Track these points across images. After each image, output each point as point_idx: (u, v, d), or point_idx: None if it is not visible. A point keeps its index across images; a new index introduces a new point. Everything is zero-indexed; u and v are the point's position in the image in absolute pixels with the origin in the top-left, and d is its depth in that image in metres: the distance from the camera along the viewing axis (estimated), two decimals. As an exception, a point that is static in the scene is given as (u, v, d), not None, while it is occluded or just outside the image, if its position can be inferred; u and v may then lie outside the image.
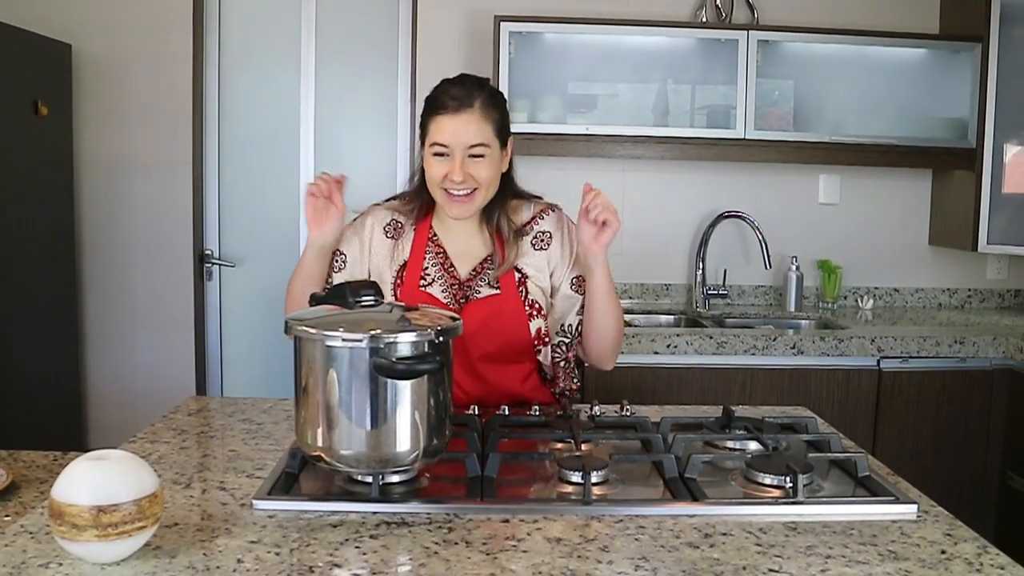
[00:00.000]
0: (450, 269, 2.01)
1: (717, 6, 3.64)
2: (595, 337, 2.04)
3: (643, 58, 3.59)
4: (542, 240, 2.04)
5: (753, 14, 3.65)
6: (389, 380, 1.37)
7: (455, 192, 1.90)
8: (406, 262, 2.02)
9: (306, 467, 1.54)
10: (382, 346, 1.36)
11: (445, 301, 1.98)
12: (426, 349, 1.39)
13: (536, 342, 2.02)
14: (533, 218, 2.06)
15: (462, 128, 1.88)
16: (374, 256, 2.04)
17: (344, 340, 1.37)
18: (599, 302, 1.98)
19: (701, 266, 3.71)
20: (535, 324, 2.01)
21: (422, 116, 1.97)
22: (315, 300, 1.53)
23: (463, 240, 2.03)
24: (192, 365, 3.82)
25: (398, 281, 2.01)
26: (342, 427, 1.39)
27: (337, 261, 2.05)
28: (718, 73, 3.50)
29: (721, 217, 3.67)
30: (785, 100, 3.56)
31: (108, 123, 3.71)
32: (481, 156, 1.90)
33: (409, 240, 2.04)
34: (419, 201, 2.04)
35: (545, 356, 2.06)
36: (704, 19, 3.64)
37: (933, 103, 3.62)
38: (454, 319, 1.48)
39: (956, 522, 1.39)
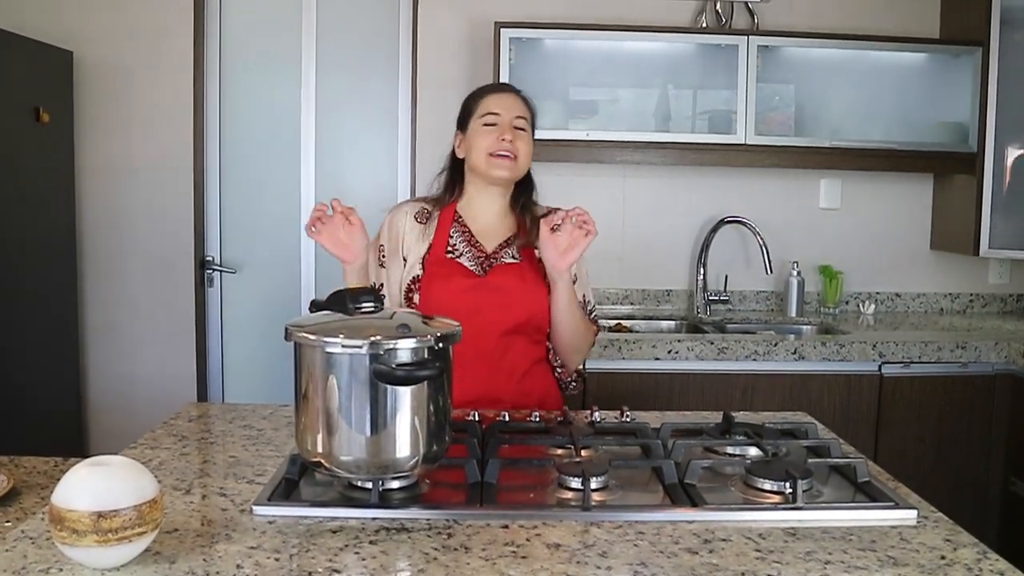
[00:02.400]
0: (476, 244, 2.18)
1: (717, 11, 3.64)
2: (557, 343, 2.19)
3: (644, 63, 3.60)
4: (559, 228, 2.15)
5: (753, 19, 3.65)
6: (389, 386, 1.37)
7: (503, 152, 2.11)
8: (434, 239, 2.17)
9: (306, 473, 1.54)
10: (382, 352, 1.36)
11: (471, 268, 2.13)
12: (426, 355, 1.40)
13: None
14: (548, 213, 2.17)
15: (510, 102, 2.18)
16: (406, 240, 2.20)
17: (344, 346, 1.37)
18: (560, 313, 2.12)
19: (702, 271, 3.71)
20: None
21: (467, 103, 2.22)
22: (315, 306, 1.53)
23: (488, 222, 2.21)
24: (193, 371, 3.83)
25: (427, 256, 2.14)
26: (342, 433, 1.39)
27: (378, 254, 2.21)
28: (719, 78, 3.50)
29: (722, 222, 3.67)
30: (786, 105, 3.57)
31: (109, 130, 3.71)
32: (523, 129, 2.16)
33: (436, 222, 2.20)
34: (448, 194, 2.24)
35: None
36: (704, 24, 3.64)
37: (934, 107, 3.63)
38: (454, 325, 1.48)
39: (956, 527, 1.38)
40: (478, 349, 2.05)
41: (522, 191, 2.23)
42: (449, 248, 2.16)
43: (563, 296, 2.08)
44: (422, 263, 2.14)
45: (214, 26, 3.80)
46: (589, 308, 2.25)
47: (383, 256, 2.20)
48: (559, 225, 2.03)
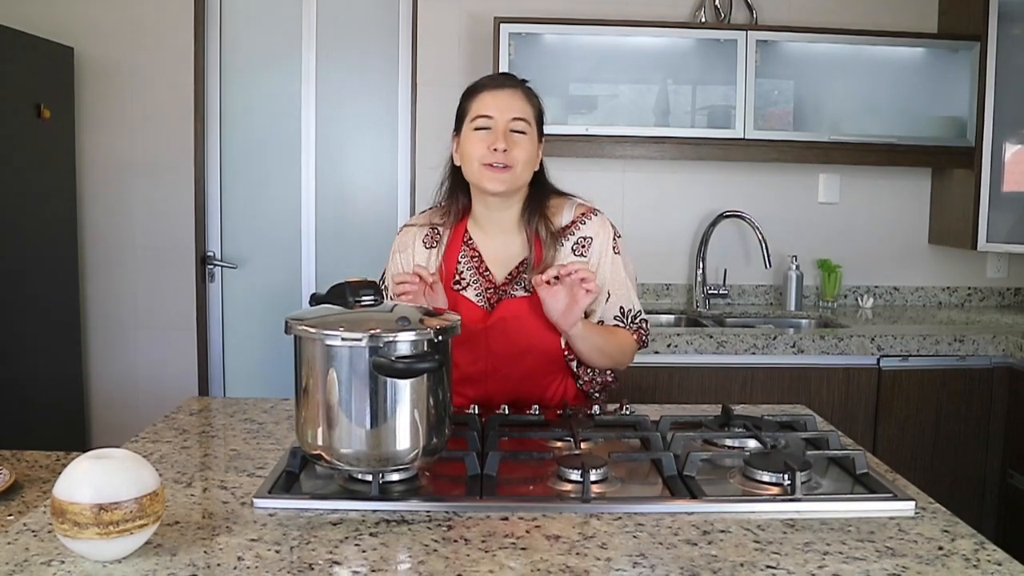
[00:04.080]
0: (485, 273, 1.99)
1: (716, 6, 3.65)
2: (592, 366, 2.04)
3: (643, 59, 3.60)
4: (583, 245, 2.00)
5: (752, 14, 3.65)
6: (389, 379, 1.38)
7: (496, 164, 1.88)
8: (441, 268, 2.00)
9: (307, 466, 1.55)
10: (381, 345, 1.37)
11: (479, 304, 1.96)
12: (425, 348, 1.40)
13: (567, 353, 1.98)
14: (574, 222, 2.01)
15: (505, 101, 1.91)
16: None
17: (344, 339, 1.38)
18: (583, 354, 1.96)
19: (701, 266, 3.71)
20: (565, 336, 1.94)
21: (461, 102, 1.98)
22: (315, 300, 1.54)
23: (499, 242, 2.00)
24: (194, 366, 3.84)
25: None
26: (342, 426, 1.40)
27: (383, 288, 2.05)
28: (718, 73, 3.50)
29: (721, 217, 3.68)
30: (784, 100, 3.57)
31: (110, 126, 3.72)
32: (522, 132, 1.90)
33: (444, 245, 2.02)
34: (454, 207, 2.03)
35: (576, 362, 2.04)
36: (703, 19, 3.64)
37: (932, 102, 3.63)
38: (454, 319, 1.49)
39: (953, 518, 1.39)
40: (486, 385, 1.97)
41: (534, 200, 2.00)
42: (456, 279, 1.98)
43: (580, 343, 1.92)
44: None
45: (215, 22, 3.80)
46: (631, 318, 2.04)
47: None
48: (555, 278, 1.82)
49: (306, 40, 3.81)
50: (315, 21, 3.80)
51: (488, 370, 1.96)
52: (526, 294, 1.96)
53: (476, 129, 1.91)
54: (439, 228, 2.04)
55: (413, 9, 3.73)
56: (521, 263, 1.99)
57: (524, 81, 2.01)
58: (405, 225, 2.13)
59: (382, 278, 2.11)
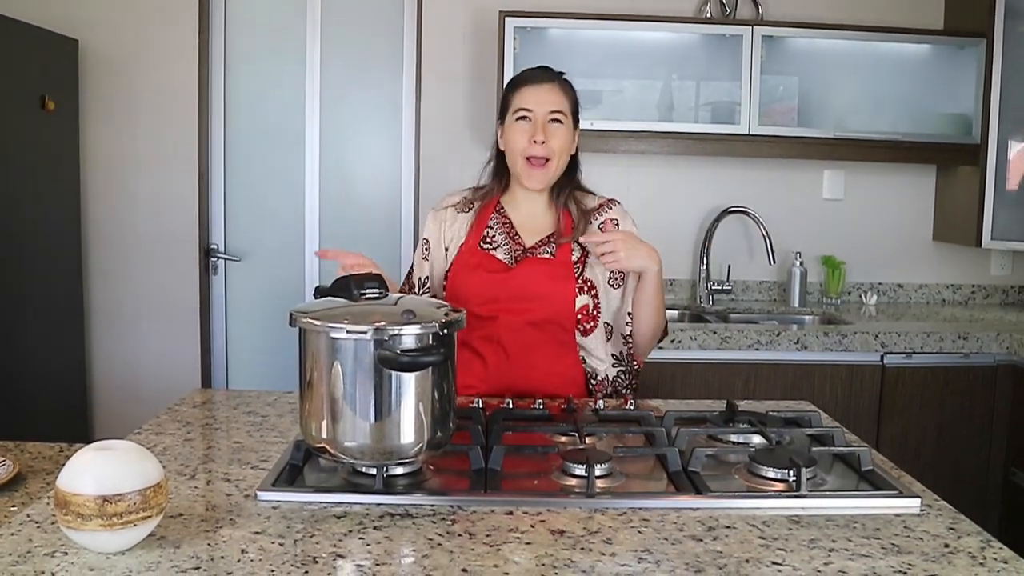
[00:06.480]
0: (515, 237, 2.14)
1: (721, 2, 3.64)
2: (637, 328, 2.14)
3: (648, 54, 3.59)
4: (610, 225, 2.17)
5: (757, 10, 3.64)
6: (393, 372, 1.37)
7: (535, 155, 2.06)
8: (471, 230, 2.16)
9: (310, 459, 1.54)
10: (386, 338, 1.36)
11: (503, 260, 2.10)
12: (430, 341, 1.40)
13: (581, 318, 2.08)
14: (600, 206, 2.20)
15: (544, 95, 2.09)
16: (447, 233, 2.19)
17: (348, 332, 1.37)
18: (645, 303, 2.09)
19: (705, 261, 3.71)
20: (582, 299, 2.08)
21: (504, 95, 2.17)
22: (320, 292, 1.53)
23: (530, 214, 2.17)
24: (198, 358, 3.84)
25: (462, 246, 2.13)
26: (346, 419, 1.39)
27: (423, 248, 2.22)
28: (722, 69, 3.50)
29: (725, 213, 3.67)
30: (789, 96, 3.56)
31: (114, 118, 3.72)
32: (559, 122, 2.09)
33: (476, 212, 2.19)
34: (497, 186, 2.20)
35: (595, 348, 2.12)
36: (708, 15, 3.64)
37: (937, 99, 3.62)
38: (459, 312, 1.49)
39: (959, 516, 1.39)
40: (496, 340, 2.05)
41: (566, 181, 2.18)
42: (486, 240, 2.13)
43: (654, 278, 2.07)
44: (457, 252, 2.14)
45: (219, 14, 3.79)
46: None
47: (427, 250, 2.20)
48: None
49: (310, 33, 3.80)
50: (320, 14, 3.79)
51: (492, 322, 2.04)
52: (548, 257, 2.10)
53: (518, 120, 2.09)
54: (473, 201, 2.20)
55: (418, 2, 3.72)
56: (550, 235, 2.14)
57: (561, 74, 2.16)
58: (448, 194, 2.29)
59: (422, 241, 2.23)
